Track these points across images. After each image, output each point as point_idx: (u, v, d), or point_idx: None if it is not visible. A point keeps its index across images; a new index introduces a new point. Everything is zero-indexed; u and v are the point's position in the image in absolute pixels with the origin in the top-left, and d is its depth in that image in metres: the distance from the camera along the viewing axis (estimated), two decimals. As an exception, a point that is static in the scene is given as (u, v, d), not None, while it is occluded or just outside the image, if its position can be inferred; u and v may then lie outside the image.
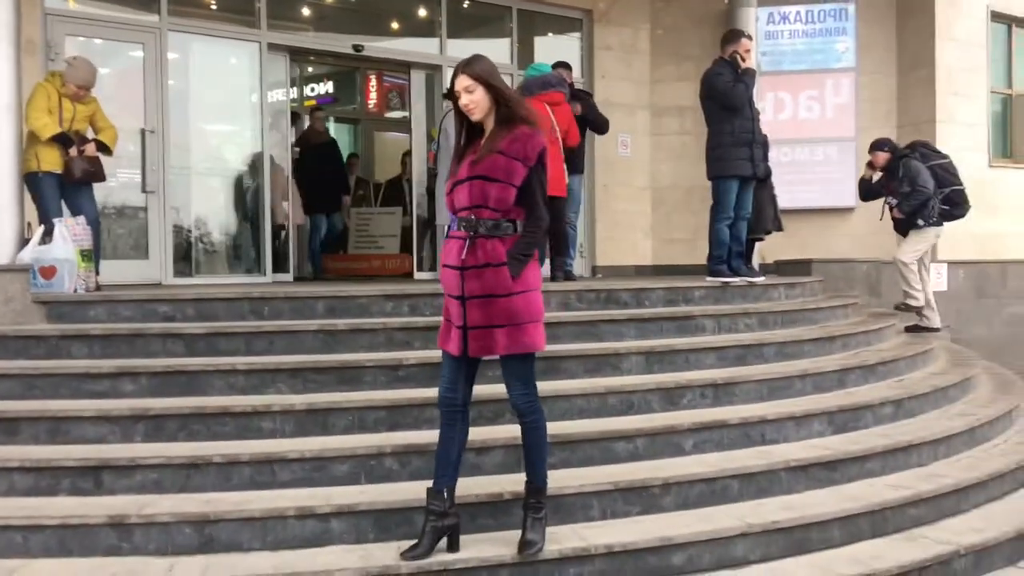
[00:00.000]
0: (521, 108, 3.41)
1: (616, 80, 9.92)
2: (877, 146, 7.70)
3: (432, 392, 3.77)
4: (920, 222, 7.38)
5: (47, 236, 5.36)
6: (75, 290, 5.32)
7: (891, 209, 7.59)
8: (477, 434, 4.03)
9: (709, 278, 6.60)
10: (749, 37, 7.05)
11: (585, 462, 4.13)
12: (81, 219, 5.67)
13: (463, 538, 3.46)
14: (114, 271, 6.74)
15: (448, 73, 8.43)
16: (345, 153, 11.02)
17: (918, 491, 4.23)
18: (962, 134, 9.69)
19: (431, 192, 8.49)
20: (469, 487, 3.68)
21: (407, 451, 3.91)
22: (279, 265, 8.52)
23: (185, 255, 8.00)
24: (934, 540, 3.96)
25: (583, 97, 7.74)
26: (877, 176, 7.72)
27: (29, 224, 5.64)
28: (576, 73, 8.78)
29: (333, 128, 10.21)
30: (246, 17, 8.28)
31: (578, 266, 8.69)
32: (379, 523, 3.59)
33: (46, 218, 5.56)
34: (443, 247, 3.48)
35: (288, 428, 4.09)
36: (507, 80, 9.52)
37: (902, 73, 9.86)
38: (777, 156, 8.56)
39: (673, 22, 10.06)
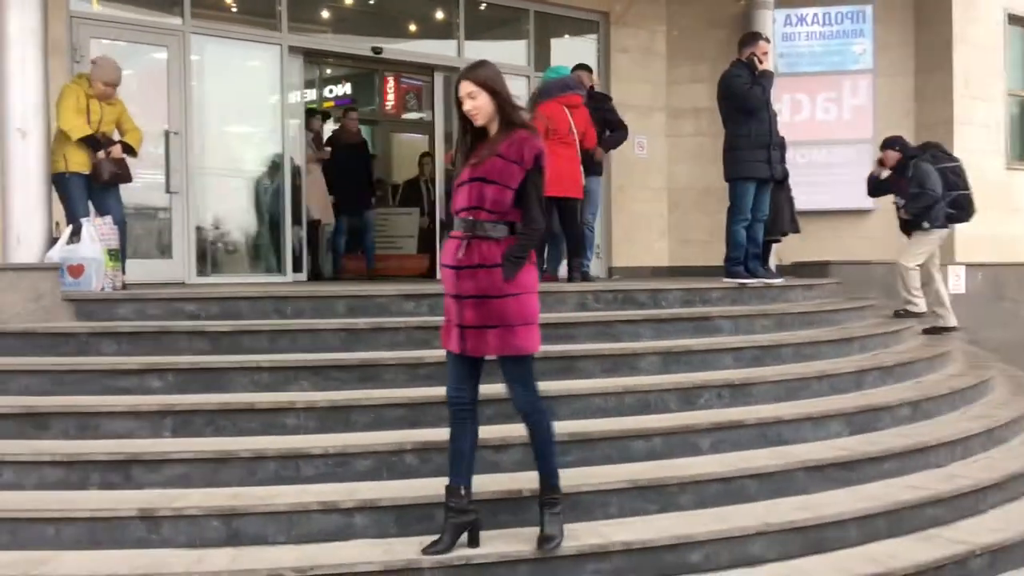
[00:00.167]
0: (520, 116, 3.45)
1: (633, 82, 9.95)
2: (888, 144, 7.70)
3: (451, 390, 3.82)
4: (925, 224, 7.34)
5: (75, 235, 5.46)
6: (102, 288, 5.42)
7: (898, 209, 7.58)
8: (495, 432, 4.11)
9: (726, 279, 6.64)
10: (767, 40, 7.09)
11: (603, 460, 4.18)
12: (108, 219, 5.77)
13: (483, 534, 3.52)
14: (138, 270, 6.83)
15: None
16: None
17: (935, 492, 4.25)
18: (979, 136, 9.67)
19: (450, 193, 8.56)
20: (488, 484, 3.75)
21: (427, 448, 3.97)
22: (300, 265, 8.63)
23: (208, 255, 8.11)
24: (950, 540, 3.98)
25: (601, 100, 7.80)
26: (886, 173, 7.71)
27: (57, 224, 5.74)
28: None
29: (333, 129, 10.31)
30: (267, 20, 8.37)
31: (594, 267, 8.74)
32: (401, 518, 3.65)
33: (74, 218, 5.67)
34: (443, 247, 3.54)
35: (311, 424, 4.17)
36: (525, 82, 9.68)
37: (919, 75, 9.85)
38: (794, 158, 8.56)
39: (689, 24, 10.09)
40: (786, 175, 7.25)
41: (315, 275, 9.02)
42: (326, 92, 13.42)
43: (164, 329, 4.78)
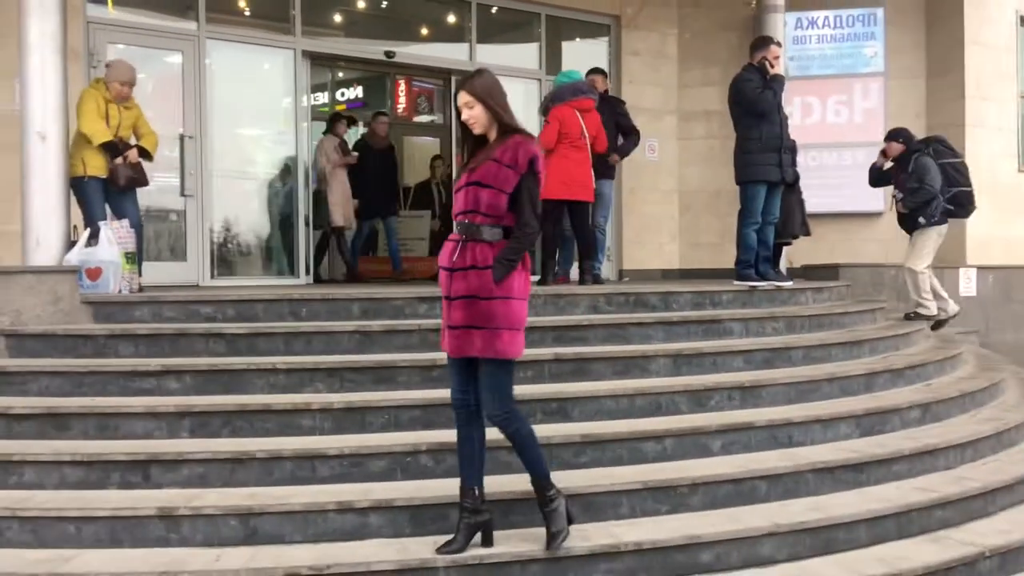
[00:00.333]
0: (515, 124, 3.50)
1: (644, 85, 10.00)
2: (892, 136, 7.66)
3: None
4: (921, 220, 7.30)
5: (93, 239, 5.54)
6: (120, 291, 5.49)
7: (896, 202, 7.57)
8: (509, 433, 4.16)
9: (737, 282, 6.66)
10: (778, 44, 7.10)
11: (615, 461, 4.23)
12: (125, 222, 5.85)
13: (497, 533, 3.57)
14: (153, 273, 6.93)
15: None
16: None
17: (944, 494, 4.28)
18: (991, 139, 9.67)
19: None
20: (502, 484, 3.80)
21: (441, 449, 4.01)
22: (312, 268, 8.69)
23: (222, 257, 8.19)
24: (959, 542, 4.01)
25: (615, 104, 7.84)
26: (888, 165, 7.70)
27: (75, 227, 5.82)
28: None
29: (361, 132, 10.35)
30: (281, 24, 8.46)
31: (605, 269, 8.78)
32: (415, 518, 3.70)
33: (92, 221, 5.75)
34: (441, 249, 3.58)
35: (327, 425, 4.23)
36: (536, 85, 9.70)
37: (931, 77, 9.85)
38: (805, 161, 8.60)
39: (700, 27, 10.13)
40: (797, 178, 7.26)
41: (344, 277, 9.01)
42: (338, 95, 13.50)
43: (181, 331, 4.85)
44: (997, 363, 6.91)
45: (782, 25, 9.02)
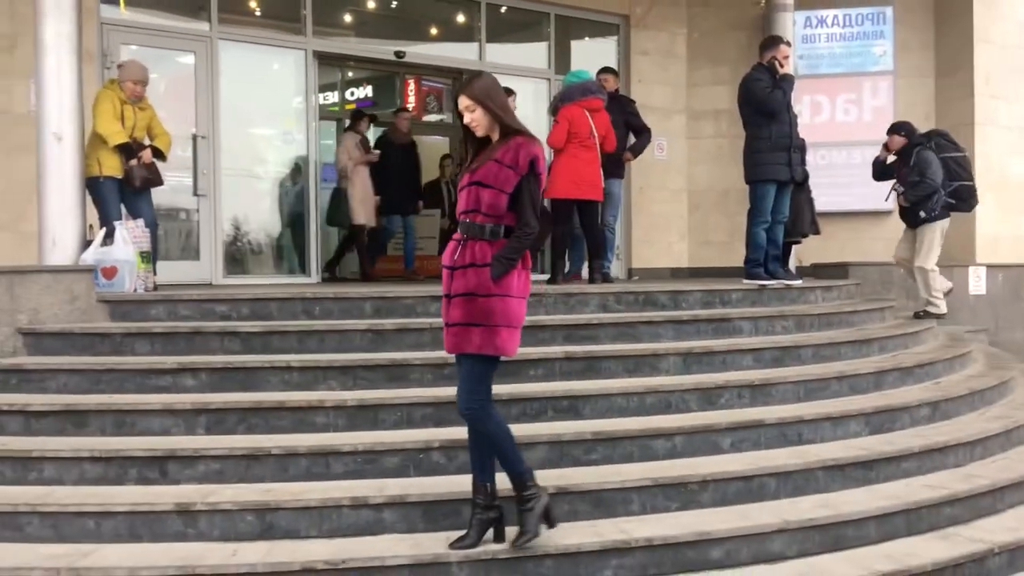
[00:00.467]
0: (516, 124, 3.53)
1: (653, 84, 10.03)
2: (894, 129, 7.66)
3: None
4: (922, 214, 7.29)
5: (108, 238, 5.60)
6: (135, 290, 5.55)
7: (898, 196, 7.56)
8: (520, 431, 4.17)
9: (746, 281, 6.69)
10: (788, 44, 7.12)
11: (625, 459, 4.26)
12: (140, 222, 5.91)
13: (508, 529, 3.59)
14: (165, 271, 6.98)
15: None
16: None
17: (953, 491, 4.30)
18: (1002, 137, 9.66)
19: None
20: (514, 481, 3.84)
21: (453, 446, 4.05)
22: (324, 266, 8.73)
23: (233, 256, 8.26)
24: (968, 539, 4.04)
25: (625, 103, 7.87)
26: (892, 159, 7.70)
27: (91, 226, 5.88)
28: (612, 78, 8.90)
29: (372, 132, 10.38)
30: (292, 24, 8.51)
31: (614, 268, 8.81)
32: (428, 514, 3.75)
33: (107, 221, 5.81)
34: (445, 249, 3.62)
35: (340, 422, 4.28)
36: (546, 85, 9.72)
37: (940, 76, 9.85)
38: (814, 159, 8.60)
39: (710, 27, 10.15)
40: (806, 177, 7.28)
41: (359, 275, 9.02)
42: (347, 95, 13.56)
43: (197, 329, 4.91)
44: (1006, 361, 6.92)
45: (791, 24, 9.03)
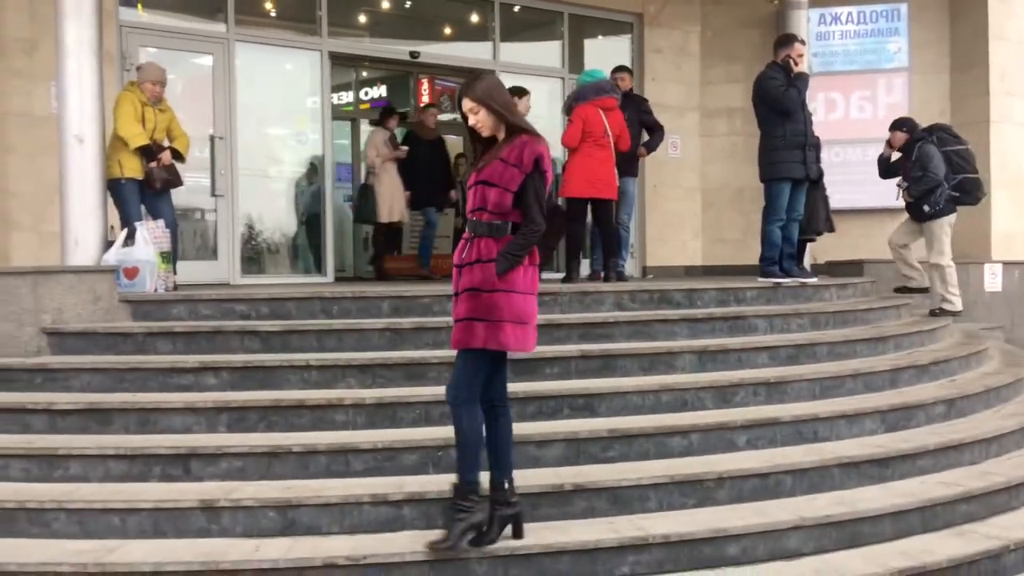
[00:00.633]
0: (522, 122, 3.57)
1: (666, 82, 10.04)
2: (896, 125, 7.63)
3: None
4: (926, 208, 7.25)
5: (130, 239, 5.67)
6: (156, 290, 5.62)
7: (902, 191, 7.54)
8: (537, 428, 4.27)
9: (761, 279, 6.70)
10: (802, 42, 7.13)
11: (641, 456, 4.30)
12: (160, 222, 5.98)
13: (527, 526, 3.64)
14: (184, 271, 7.06)
15: (501, 76, 8.63)
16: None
17: (969, 488, 4.31)
18: (1017, 134, 9.61)
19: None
20: (531, 478, 3.88)
21: (472, 443, 4.10)
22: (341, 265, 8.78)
23: (250, 255, 8.33)
24: (984, 535, 4.05)
25: (639, 102, 7.89)
26: (896, 156, 7.69)
27: (112, 227, 5.96)
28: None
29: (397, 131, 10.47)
30: (308, 25, 8.58)
31: (629, 266, 8.84)
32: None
33: (128, 221, 5.88)
34: (456, 248, 3.66)
35: (360, 420, 4.34)
36: (559, 83, 9.73)
37: (955, 73, 9.81)
38: (829, 157, 8.60)
39: (723, 25, 10.15)
40: (821, 175, 7.27)
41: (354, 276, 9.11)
42: (361, 95, 13.63)
43: (217, 329, 4.97)
44: (1022, 359, 6.90)
45: (805, 21, 9.04)
